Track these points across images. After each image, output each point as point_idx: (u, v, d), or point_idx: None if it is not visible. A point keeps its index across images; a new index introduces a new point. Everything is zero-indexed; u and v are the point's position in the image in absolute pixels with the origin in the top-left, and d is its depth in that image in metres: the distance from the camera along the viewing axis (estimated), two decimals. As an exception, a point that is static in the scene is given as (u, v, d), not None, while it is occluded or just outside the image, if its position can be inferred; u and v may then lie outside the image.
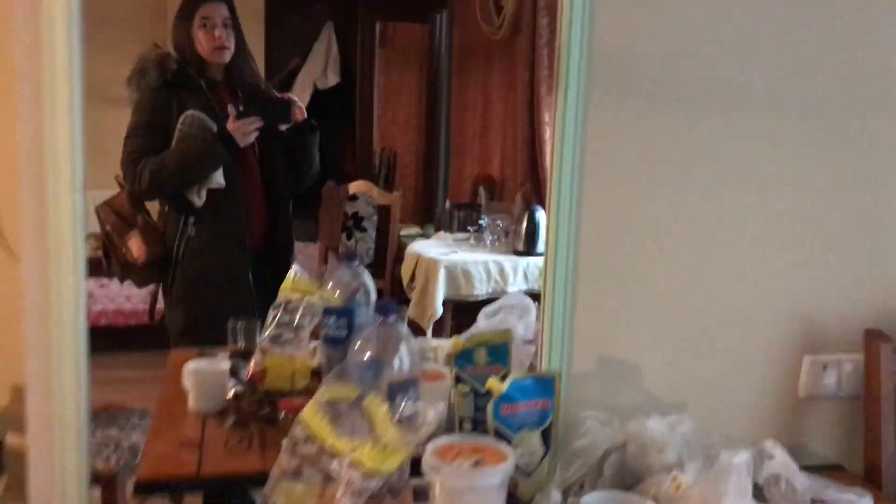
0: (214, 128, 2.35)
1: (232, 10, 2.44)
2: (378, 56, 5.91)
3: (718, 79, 1.63)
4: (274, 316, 1.83)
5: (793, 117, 1.67)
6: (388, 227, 4.28)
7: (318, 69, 5.86)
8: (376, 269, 4.17)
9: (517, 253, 3.90)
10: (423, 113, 6.06)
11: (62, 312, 1.39)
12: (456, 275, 3.75)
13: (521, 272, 3.83)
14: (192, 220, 2.39)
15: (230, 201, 2.40)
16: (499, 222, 4.14)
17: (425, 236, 4.56)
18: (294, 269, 1.90)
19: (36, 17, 1.32)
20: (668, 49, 1.59)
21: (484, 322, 2.02)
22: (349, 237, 4.21)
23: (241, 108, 2.38)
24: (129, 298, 4.48)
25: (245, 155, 2.41)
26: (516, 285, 3.82)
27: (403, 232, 4.59)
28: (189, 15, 2.40)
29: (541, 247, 3.47)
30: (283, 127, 2.44)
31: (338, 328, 1.70)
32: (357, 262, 1.88)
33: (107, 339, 4.37)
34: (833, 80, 1.68)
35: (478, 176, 5.32)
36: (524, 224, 3.94)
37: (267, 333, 1.82)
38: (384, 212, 4.31)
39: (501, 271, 3.80)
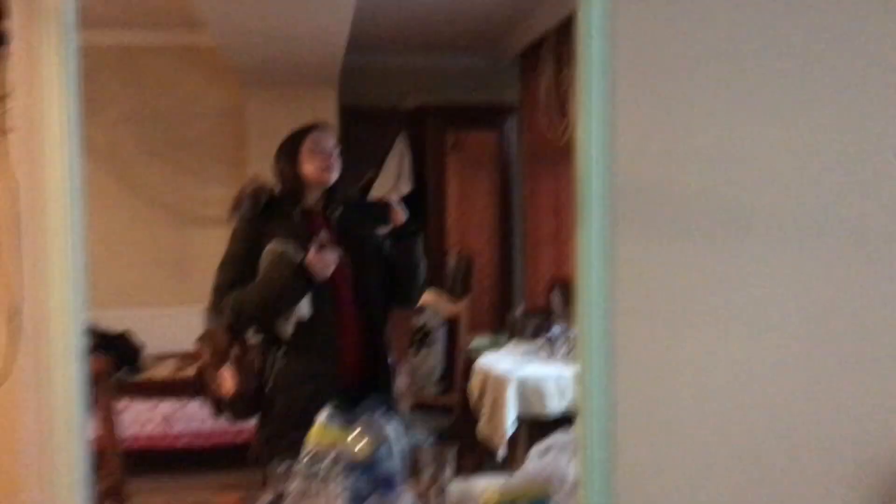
0: (299, 258, 2.30)
1: (336, 138, 2.52)
2: (449, 162, 5.96)
3: (753, 206, 1.49)
4: (303, 464, 1.74)
5: (832, 245, 1.51)
6: (455, 339, 4.18)
7: (392, 180, 5.94)
8: (445, 384, 4.07)
9: (590, 364, 3.72)
10: (497, 215, 6.02)
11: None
12: (527, 391, 3.59)
13: (594, 385, 3.64)
14: (281, 351, 2.35)
15: (320, 332, 2.34)
16: (571, 332, 3.96)
17: (496, 346, 4.43)
18: (324, 415, 1.82)
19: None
20: (696, 178, 1.47)
21: (533, 463, 1.89)
22: (417, 352, 4.13)
23: (326, 238, 2.36)
24: (144, 425, 4.47)
25: (337, 283, 2.36)
26: (590, 400, 3.62)
27: (474, 343, 4.48)
28: (299, 140, 2.44)
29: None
30: (383, 230, 2.44)
31: (360, 484, 1.60)
32: (379, 413, 1.78)
33: (185, 460, 4.40)
34: (878, 204, 1.52)
35: (553, 278, 5.19)
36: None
37: (294, 487, 1.72)
38: (452, 323, 4.23)
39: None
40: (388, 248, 2.53)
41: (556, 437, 1.94)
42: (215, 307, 2.33)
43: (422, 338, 4.16)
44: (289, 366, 2.34)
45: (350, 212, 2.46)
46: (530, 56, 5.33)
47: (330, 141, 2.45)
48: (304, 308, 2.31)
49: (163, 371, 4.95)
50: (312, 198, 2.43)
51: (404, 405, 4.60)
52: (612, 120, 1.44)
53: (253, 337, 2.40)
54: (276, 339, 2.35)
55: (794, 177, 1.51)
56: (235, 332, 2.38)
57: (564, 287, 4.98)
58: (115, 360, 4.83)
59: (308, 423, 2.22)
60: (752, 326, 1.50)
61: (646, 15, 1.45)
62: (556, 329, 4.00)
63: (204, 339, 2.41)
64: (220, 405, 2.41)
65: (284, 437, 2.24)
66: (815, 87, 1.50)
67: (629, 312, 1.47)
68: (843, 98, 1.52)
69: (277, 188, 2.44)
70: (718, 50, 1.47)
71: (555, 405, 3.58)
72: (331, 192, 2.46)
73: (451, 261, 5.80)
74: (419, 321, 4.18)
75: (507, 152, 5.92)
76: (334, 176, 2.43)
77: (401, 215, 2.42)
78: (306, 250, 2.29)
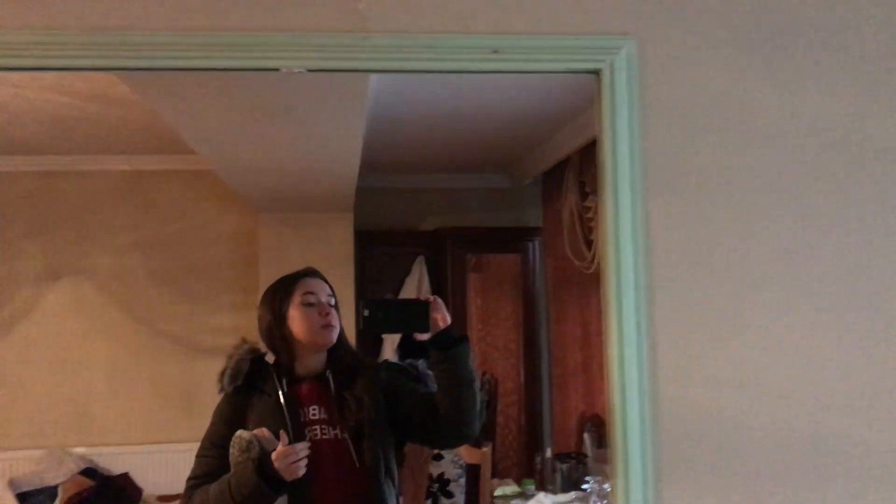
0: (275, 446, 1.87)
1: (331, 287, 2.09)
2: (471, 281, 5.69)
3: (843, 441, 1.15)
4: None
5: None
6: (478, 490, 3.78)
7: (416, 296, 5.68)
8: (467, 545, 3.66)
9: (629, 527, 3.31)
10: (522, 341, 5.69)
11: None
12: (558, 559, 3.17)
13: (634, 554, 3.21)
14: None
15: None
16: (606, 485, 3.56)
17: (523, 496, 4.01)
18: None
19: None
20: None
21: None
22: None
23: (317, 413, 1.97)
24: None
25: (322, 475, 1.90)
26: (630, 570, 3.19)
27: (498, 492, 4.06)
28: (286, 293, 2.02)
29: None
30: (422, 338, 1.88)
31: None
32: None
33: None
34: None
35: (584, 414, 4.80)
36: (635, 487, 3.36)
37: None
38: (474, 470, 3.83)
39: (611, 553, 3.20)
40: (425, 370, 2.06)
41: None
42: None
43: (439, 488, 3.76)
44: None
45: (376, 308, 1.91)
46: (553, 177, 5.11)
47: (324, 291, 2.05)
48: None
49: (162, 518, 4.58)
50: (310, 363, 2.03)
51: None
52: (650, 331, 1.13)
53: None
54: None
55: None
56: None
57: (598, 426, 4.59)
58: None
59: None
60: None
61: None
62: (588, 483, 3.59)
63: None
64: None
65: None
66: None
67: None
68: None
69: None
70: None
71: (590, 578, 3.15)
72: (333, 352, 2.05)
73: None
74: (437, 469, 3.79)
75: (531, 275, 5.64)
76: (335, 336, 2.02)
77: (444, 316, 1.88)
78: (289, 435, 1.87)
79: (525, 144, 4.79)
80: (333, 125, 2.97)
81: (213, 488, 1.87)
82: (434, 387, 2.00)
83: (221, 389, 2.01)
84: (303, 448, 1.84)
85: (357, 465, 1.94)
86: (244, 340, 2.08)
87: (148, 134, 4.64)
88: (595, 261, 4.17)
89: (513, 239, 5.61)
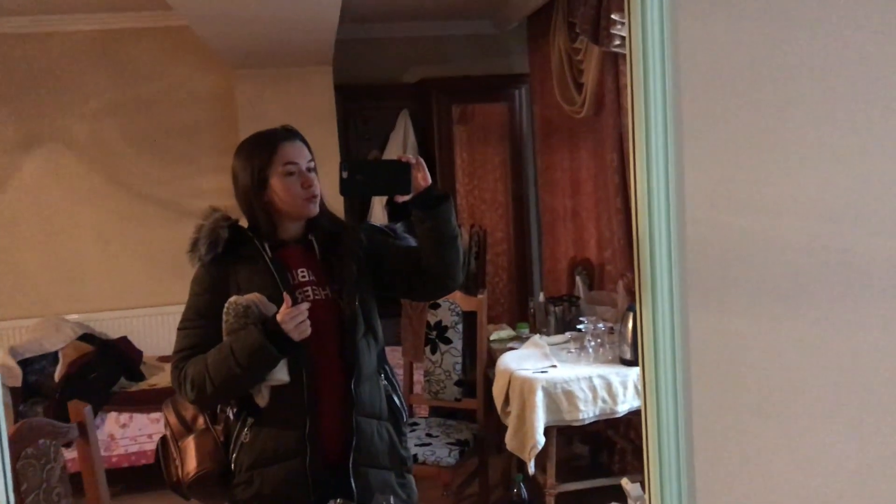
0: (271, 311, 1.84)
1: (310, 150, 1.98)
2: (457, 133, 5.61)
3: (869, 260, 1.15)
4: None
5: None
6: (475, 336, 3.87)
7: (397, 156, 5.60)
8: (466, 387, 3.77)
9: (624, 362, 3.41)
10: (510, 190, 5.68)
11: None
12: (556, 396, 3.28)
13: (630, 387, 3.33)
14: (248, 425, 1.91)
15: (291, 400, 1.87)
16: (601, 325, 3.65)
17: (518, 339, 4.12)
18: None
19: None
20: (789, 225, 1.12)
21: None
22: (433, 351, 3.82)
23: (306, 275, 1.91)
24: (151, 437, 4.25)
25: (318, 333, 1.85)
26: (627, 402, 3.32)
27: (493, 336, 4.17)
28: (266, 159, 1.89)
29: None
30: (404, 199, 1.83)
31: None
32: None
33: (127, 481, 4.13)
34: None
35: (573, 259, 4.86)
36: (629, 325, 3.44)
37: None
38: (470, 317, 3.91)
39: (609, 387, 3.31)
40: (403, 233, 2.05)
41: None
42: (176, 382, 1.86)
43: (437, 335, 3.84)
44: (254, 443, 1.89)
45: (356, 167, 1.81)
46: (539, 20, 4.93)
47: (304, 156, 1.92)
48: (281, 372, 1.84)
49: (165, 377, 4.68)
50: (291, 228, 1.96)
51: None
52: (678, 158, 1.10)
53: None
54: (244, 406, 1.92)
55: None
56: (200, 407, 1.95)
57: (588, 269, 4.65)
58: (115, 369, 4.61)
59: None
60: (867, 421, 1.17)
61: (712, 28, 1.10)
62: (583, 324, 3.67)
63: (168, 406, 1.99)
64: (180, 489, 1.97)
65: None
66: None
67: (706, 404, 1.15)
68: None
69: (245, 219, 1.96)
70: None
71: (590, 410, 3.28)
72: (313, 217, 1.97)
73: (464, 234, 5.47)
74: (434, 317, 3.86)
75: (518, 124, 5.56)
76: (317, 206, 1.93)
77: (425, 175, 1.82)
78: (280, 300, 1.82)
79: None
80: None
81: (212, 356, 1.83)
82: (414, 242, 1.98)
83: (198, 259, 1.89)
84: (306, 308, 1.81)
85: (341, 342, 1.93)
86: (214, 209, 1.96)
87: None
88: (586, 105, 4.09)
89: (499, 87, 5.49)
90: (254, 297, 1.85)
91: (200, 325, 1.88)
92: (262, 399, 1.86)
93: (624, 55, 3.76)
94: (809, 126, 1.09)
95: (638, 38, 1.10)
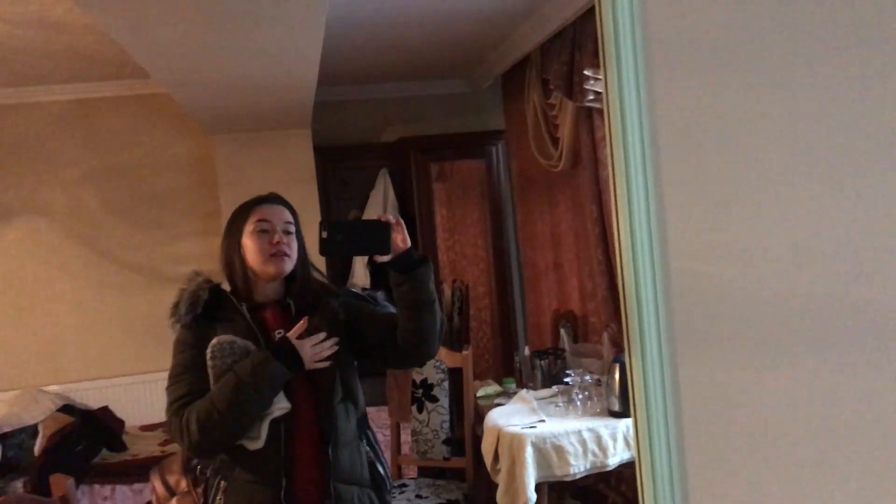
0: (252, 347, 1.87)
1: (294, 214, 2.00)
2: (436, 190, 5.66)
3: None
4: None
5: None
6: (461, 393, 3.84)
7: (377, 216, 5.62)
8: (454, 445, 3.73)
9: (613, 414, 3.39)
10: (491, 245, 5.70)
11: None
12: (546, 451, 3.25)
13: (620, 439, 3.30)
14: (222, 487, 1.88)
15: (266, 458, 1.85)
16: (588, 377, 3.64)
17: (505, 394, 4.09)
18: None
19: None
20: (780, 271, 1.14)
21: None
22: (420, 410, 3.78)
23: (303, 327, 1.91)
24: None
25: (295, 395, 1.86)
26: (617, 455, 3.29)
27: (480, 392, 4.14)
28: (241, 220, 1.95)
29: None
30: (383, 259, 1.83)
31: None
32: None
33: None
34: None
35: (557, 312, 4.86)
36: (616, 377, 3.43)
37: None
38: (456, 374, 3.88)
39: (599, 440, 3.28)
40: (384, 301, 2.05)
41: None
42: (177, 430, 1.84)
43: (424, 393, 3.81)
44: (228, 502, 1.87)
45: (335, 229, 1.85)
46: (512, 77, 5.03)
47: (280, 217, 1.95)
48: (282, 400, 1.84)
49: (147, 446, 4.59)
50: (268, 290, 1.96)
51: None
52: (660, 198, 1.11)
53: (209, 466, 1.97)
54: (227, 465, 1.90)
55: None
56: (202, 452, 1.91)
57: (572, 322, 4.66)
58: (96, 441, 4.51)
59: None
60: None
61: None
62: (569, 377, 3.66)
63: (156, 472, 2.01)
64: None
65: None
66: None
67: (700, 455, 1.14)
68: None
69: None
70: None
71: (581, 465, 3.24)
72: (292, 279, 1.98)
73: (447, 290, 5.47)
74: (420, 375, 3.83)
75: (496, 179, 5.62)
76: (288, 264, 1.93)
77: (405, 237, 1.83)
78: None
79: (483, 45, 4.68)
80: (291, 34, 2.85)
81: (215, 389, 1.83)
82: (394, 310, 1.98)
83: (177, 321, 1.91)
84: (324, 338, 1.87)
85: (317, 403, 1.92)
86: (196, 272, 2.00)
87: (92, 60, 4.43)
88: (563, 158, 4.15)
89: (475, 143, 5.56)
90: (229, 337, 1.87)
91: (190, 377, 1.87)
92: (259, 440, 1.84)
93: (598, 109, 3.85)
94: (790, 173, 1.11)
95: (615, 92, 1.12)
